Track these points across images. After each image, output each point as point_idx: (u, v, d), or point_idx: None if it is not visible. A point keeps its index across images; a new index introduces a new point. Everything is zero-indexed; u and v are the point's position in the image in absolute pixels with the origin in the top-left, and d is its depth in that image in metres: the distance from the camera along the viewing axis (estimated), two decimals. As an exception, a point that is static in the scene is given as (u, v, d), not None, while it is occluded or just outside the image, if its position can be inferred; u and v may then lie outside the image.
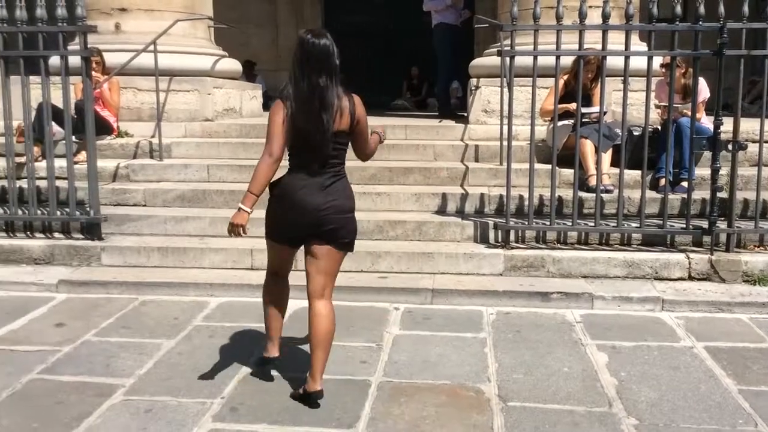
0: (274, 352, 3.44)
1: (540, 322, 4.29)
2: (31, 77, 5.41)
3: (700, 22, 4.81)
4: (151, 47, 6.45)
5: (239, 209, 3.11)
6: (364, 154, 3.38)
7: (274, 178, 3.19)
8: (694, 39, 4.87)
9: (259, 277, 4.81)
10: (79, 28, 5.20)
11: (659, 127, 5.78)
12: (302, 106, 3.06)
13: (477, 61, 7.47)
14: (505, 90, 5.61)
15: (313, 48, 3.06)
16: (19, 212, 5.45)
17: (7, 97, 5.34)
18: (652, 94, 5.17)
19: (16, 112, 5.44)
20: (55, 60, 5.54)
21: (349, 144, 3.25)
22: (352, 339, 3.97)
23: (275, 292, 3.43)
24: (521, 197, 5.45)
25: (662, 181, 5.40)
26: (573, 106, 5.54)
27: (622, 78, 5.04)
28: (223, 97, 7.57)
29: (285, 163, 3.19)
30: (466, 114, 7.59)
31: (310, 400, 3.14)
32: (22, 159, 5.64)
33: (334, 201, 3.14)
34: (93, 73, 5.80)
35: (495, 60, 6.33)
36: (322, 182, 3.13)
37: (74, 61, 5.32)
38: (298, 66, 3.08)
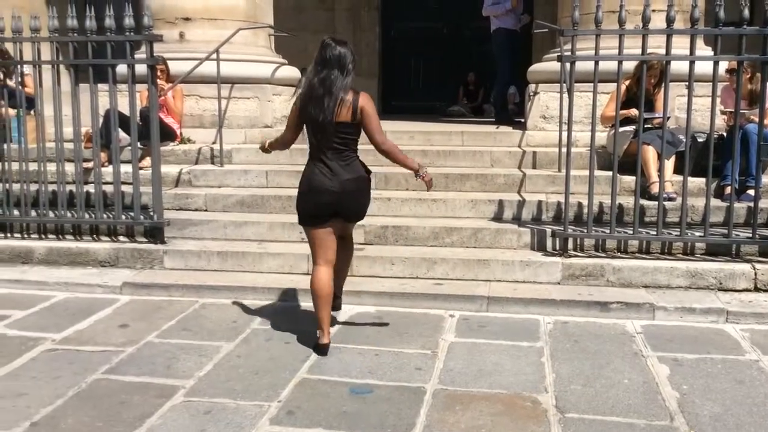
0: (324, 339, 3.86)
1: (599, 333, 4.21)
2: (99, 85, 5.59)
3: (770, 26, 4.66)
4: (214, 55, 6.60)
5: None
6: (375, 143, 3.80)
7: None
8: (762, 43, 4.70)
9: (316, 282, 4.89)
10: (146, 37, 5.35)
11: (724, 134, 5.61)
12: (310, 96, 3.67)
13: (535, 67, 7.40)
14: (565, 96, 5.55)
15: (333, 51, 3.66)
16: (86, 216, 5.63)
17: (76, 104, 5.53)
18: (718, 100, 5.02)
19: (85, 119, 5.64)
20: (122, 68, 5.71)
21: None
22: (406, 345, 3.98)
23: (318, 282, 3.85)
24: (580, 204, 5.37)
25: (727, 189, 5.25)
26: (634, 111, 5.42)
27: (686, 83, 4.91)
28: (282, 104, 7.68)
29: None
30: (523, 120, 7.52)
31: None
32: (90, 164, 5.83)
33: (345, 181, 3.74)
34: (158, 80, 5.96)
35: (554, 65, 6.26)
36: (333, 166, 3.73)
37: (140, 69, 5.49)
38: (316, 63, 3.70)
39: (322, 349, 3.83)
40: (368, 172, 3.95)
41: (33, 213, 5.70)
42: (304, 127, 3.84)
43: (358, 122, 3.70)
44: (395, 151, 3.84)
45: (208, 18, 7.32)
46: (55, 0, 8.84)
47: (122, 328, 4.27)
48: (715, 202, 5.17)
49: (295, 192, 5.88)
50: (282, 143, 4.05)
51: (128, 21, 5.28)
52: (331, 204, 3.76)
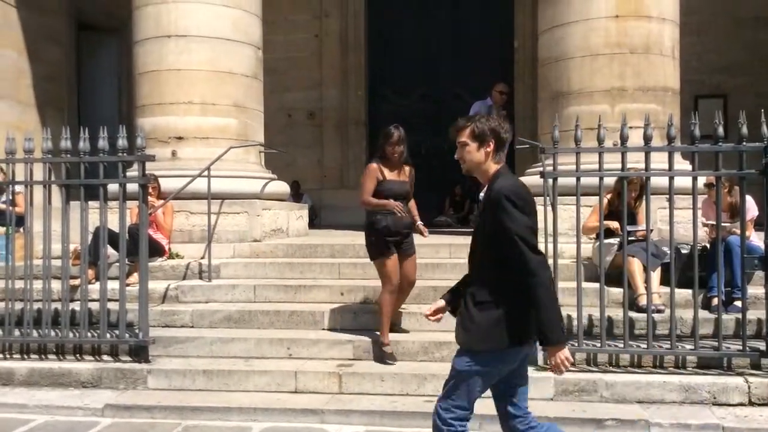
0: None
1: (594, 452, 4.11)
2: (90, 202, 5.64)
3: (744, 143, 4.83)
4: (206, 172, 6.73)
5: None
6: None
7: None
8: (739, 158, 4.87)
9: (303, 400, 4.78)
10: (138, 158, 5.47)
11: (707, 245, 5.70)
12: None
13: (519, 180, 7.55)
14: (548, 208, 5.65)
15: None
16: (70, 335, 5.54)
17: (66, 222, 5.56)
18: (699, 212, 5.13)
19: (74, 236, 5.65)
20: (113, 186, 5.79)
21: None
22: (398, 469, 3.85)
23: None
24: (569, 317, 5.34)
25: (714, 301, 5.26)
26: (615, 224, 5.54)
27: (667, 197, 5.04)
28: (271, 218, 7.77)
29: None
30: (509, 231, 7.59)
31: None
32: (77, 281, 5.80)
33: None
34: (149, 197, 6.03)
35: (537, 179, 6.41)
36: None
37: (132, 186, 5.57)
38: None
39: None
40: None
41: (17, 332, 5.60)
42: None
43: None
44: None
45: (200, 137, 7.51)
46: (49, 121, 9.15)
47: (102, 454, 4.13)
48: (703, 313, 5.17)
49: (284, 306, 5.99)
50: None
51: (121, 142, 5.41)
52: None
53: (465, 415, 2.92)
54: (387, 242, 5.29)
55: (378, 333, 5.33)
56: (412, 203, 5.56)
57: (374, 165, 5.39)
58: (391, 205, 5.23)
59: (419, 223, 5.54)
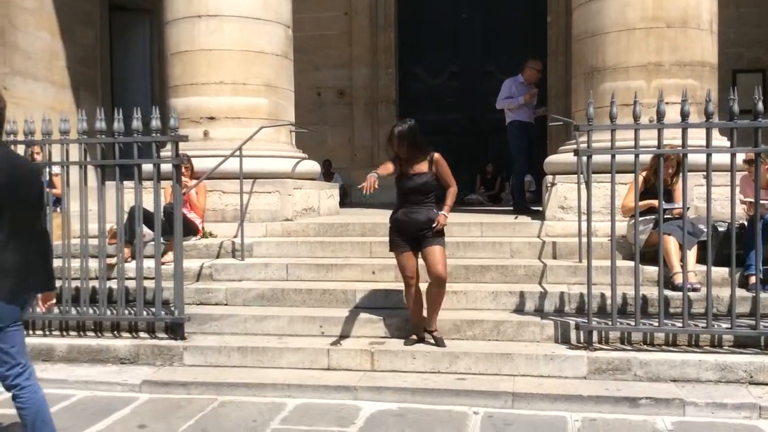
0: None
1: (629, 430, 4.08)
2: (125, 182, 5.71)
3: (785, 118, 4.71)
4: (237, 152, 6.77)
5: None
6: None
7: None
8: (779, 135, 4.76)
9: (336, 377, 4.83)
10: (172, 139, 5.51)
11: (745, 223, 5.59)
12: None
13: (552, 158, 7.49)
14: (582, 186, 5.59)
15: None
16: (108, 312, 5.65)
17: (102, 202, 5.65)
18: (737, 189, 5.03)
19: (110, 216, 5.74)
20: (147, 166, 5.85)
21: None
22: (431, 446, 3.87)
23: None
24: (603, 296, 5.32)
25: (752, 279, 5.18)
26: (655, 202, 5.45)
27: (704, 173, 4.94)
28: (303, 197, 7.80)
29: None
30: (540, 208, 7.55)
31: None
32: (113, 260, 5.90)
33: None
34: (183, 177, 6.09)
35: (570, 157, 6.34)
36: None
37: (166, 166, 5.63)
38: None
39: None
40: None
41: (55, 310, 5.72)
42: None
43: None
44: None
45: (232, 117, 7.55)
46: (83, 102, 9.26)
47: (141, 428, 4.21)
48: (740, 292, 5.09)
49: (316, 285, 6.03)
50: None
51: (155, 123, 5.46)
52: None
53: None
54: (396, 236, 5.17)
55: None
56: (449, 191, 5.23)
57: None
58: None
59: (442, 212, 5.11)
